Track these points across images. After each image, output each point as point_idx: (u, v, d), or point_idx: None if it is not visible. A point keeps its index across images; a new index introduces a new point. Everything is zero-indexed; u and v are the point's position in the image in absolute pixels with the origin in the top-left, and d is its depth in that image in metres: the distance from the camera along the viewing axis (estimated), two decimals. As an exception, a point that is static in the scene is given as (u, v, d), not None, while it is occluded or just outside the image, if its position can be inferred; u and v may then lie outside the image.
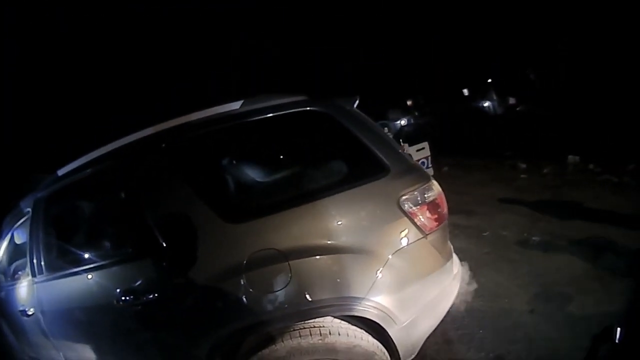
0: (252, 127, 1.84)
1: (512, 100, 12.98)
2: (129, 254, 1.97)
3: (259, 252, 1.64)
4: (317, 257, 1.66)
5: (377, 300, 1.72)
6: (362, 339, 1.78)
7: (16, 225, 2.61)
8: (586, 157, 6.84)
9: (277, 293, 1.63)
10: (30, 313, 2.36)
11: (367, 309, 1.72)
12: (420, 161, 3.54)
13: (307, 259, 1.65)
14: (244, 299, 1.64)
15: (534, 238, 3.99)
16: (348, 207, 1.73)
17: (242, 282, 1.63)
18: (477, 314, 2.82)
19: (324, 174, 1.83)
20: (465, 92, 14.92)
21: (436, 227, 1.86)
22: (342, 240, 1.69)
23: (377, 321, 1.76)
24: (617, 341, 0.82)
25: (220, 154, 1.95)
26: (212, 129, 1.83)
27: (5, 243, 2.73)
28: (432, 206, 1.85)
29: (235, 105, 1.86)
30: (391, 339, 1.81)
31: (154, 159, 1.86)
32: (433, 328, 2.01)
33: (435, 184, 1.92)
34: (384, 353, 1.84)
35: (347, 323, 1.80)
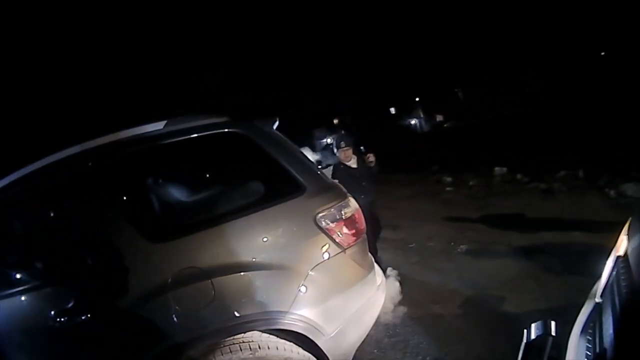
0: (174, 147, 1.87)
1: (439, 117, 13.92)
2: (60, 274, 1.89)
3: (182, 270, 1.66)
4: (239, 273, 1.71)
5: (301, 313, 1.79)
6: (292, 351, 1.83)
7: None
8: (513, 168, 7.25)
9: (203, 310, 1.65)
10: None
11: (292, 322, 1.77)
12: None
13: (229, 276, 1.69)
14: (172, 317, 1.64)
15: (461, 246, 4.20)
16: (266, 225, 1.80)
17: (169, 301, 1.64)
18: (410, 321, 2.95)
19: (244, 193, 1.90)
20: (393, 110, 15.79)
21: (354, 241, 1.97)
22: (263, 257, 1.76)
23: (304, 333, 1.82)
24: (553, 334, 0.84)
25: (143, 174, 1.95)
26: (136, 148, 1.85)
27: None
28: (350, 222, 1.96)
29: (159, 125, 1.89)
30: (321, 350, 1.87)
31: (80, 178, 1.84)
32: (362, 338, 2.09)
33: (352, 201, 2.04)
34: None
35: (276, 337, 1.84)
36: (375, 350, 2.68)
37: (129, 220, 1.74)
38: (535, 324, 0.88)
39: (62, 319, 1.75)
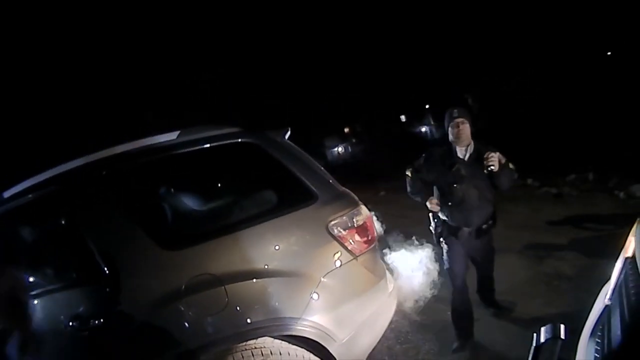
0: (188, 157, 1.93)
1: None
2: (73, 279, 1.96)
3: (196, 277, 1.70)
4: (252, 280, 1.74)
5: (313, 319, 1.81)
6: (303, 357, 1.85)
7: None
8: (524, 173, 7.25)
9: (216, 316, 1.69)
10: None
11: (304, 328, 1.80)
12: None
13: (242, 282, 1.73)
14: (185, 323, 1.68)
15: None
16: (279, 233, 1.84)
17: (182, 307, 1.68)
18: (421, 328, 2.95)
19: (257, 202, 1.95)
20: (403, 118, 15.55)
21: (366, 248, 2.00)
22: (275, 264, 1.79)
23: (316, 339, 1.84)
24: (563, 337, 0.83)
25: (157, 183, 2.01)
26: (150, 158, 1.91)
27: None
28: (361, 230, 1.99)
29: (172, 136, 1.95)
30: (332, 356, 1.89)
31: (94, 186, 1.89)
32: (374, 344, 2.11)
33: (363, 209, 2.07)
34: None
35: (287, 343, 1.86)
36: (386, 358, 2.69)
37: (143, 228, 1.79)
38: (545, 327, 0.88)
39: (75, 324, 1.80)
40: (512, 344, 2.47)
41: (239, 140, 1.97)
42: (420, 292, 3.33)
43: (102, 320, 1.77)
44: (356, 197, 2.10)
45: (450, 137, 2.55)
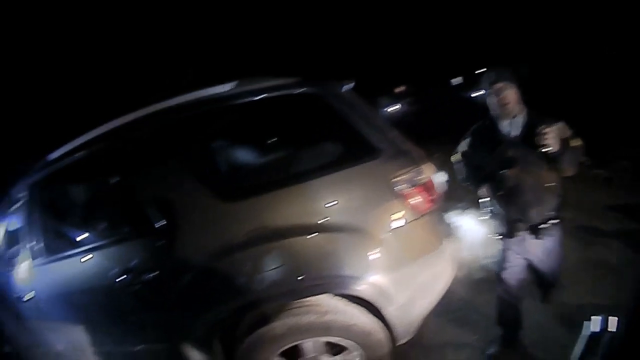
0: (245, 108, 1.85)
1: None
2: (125, 233, 1.98)
3: (255, 230, 1.66)
4: (312, 235, 1.69)
5: (372, 279, 1.75)
6: (359, 317, 1.81)
7: (9, 212, 2.60)
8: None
9: (273, 271, 1.65)
10: (27, 298, 2.36)
11: (362, 287, 1.74)
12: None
13: (302, 237, 1.68)
14: (241, 277, 1.66)
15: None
16: (340, 187, 1.75)
17: (239, 261, 1.66)
18: (473, 299, 2.85)
19: (318, 155, 1.85)
20: (456, 81, 14.49)
21: (428, 209, 1.88)
22: (336, 220, 1.72)
23: (373, 300, 1.78)
24: (614, 330, 0.81)
25: (214, 135, 1.96)
26: (206, 109, 1.85)
27: (2, 230, 2.72)
28: (425, 189, 1.87)
29: (229, 87, 1.88)
30: (388, 318, 1.84)
31: (147, 140, 1.87)
32: (429, 309, 2.03)
33: (429, 167, 1.93)
34: (381, 332, 1.87)
35: (344, 302, 1.83)
36: (435, 323, 2.62)
37: (200, 180, 1.76)
38: (596, 317, 0.87)
39: (125, 279, 1.84)
40: (554, 328, 2.40)
41: (300, 91, 1.86)
42: (478, 262, 3.22)
43: (155, 274, 1.79)
44: (422, 154, 1.96)
45: (492, 109, 2.01)
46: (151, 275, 1.78)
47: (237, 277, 1.67)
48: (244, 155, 1.94)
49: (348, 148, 1.83)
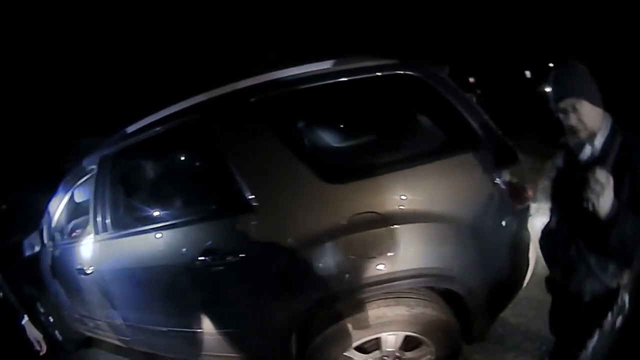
0: (346, 87, 1.76)
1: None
2: (211, 211, 1.92)
3: (360, 215, 1.57)
4: (416, 224, 1.59)
5: (466, 275, 1.67)
6: (444, 313, 1.74)
7: (78, 184, 2.57)
8: None
9: (374, 259, 1.57)
10: (89, 272, 2.32)
11: (456, 282, 1.67)
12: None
13: (406, 225, 1.58)
14: (339, 263, 1.58)
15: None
16: (444, 176, 1.66)
17: (339, 246, 1.57)
18: (538, 304, 2.74)
19: (421, 140, 1.77)
20: (528, 74, 13.48)
21: (523, 205, 1.80)
22: (438, 209, 1.63)
23: (463, 296, 1.71)
24: None
25: (313, 112, 1.89)
26: (304, 86, 1.76)
27: (64, 201, 2.70)
28: (521, 187, 1.78)
29: (327, 64, 1.79)
30: (471, 315, 1.76)
31: (241, 113, 1.79)
32: (503, 310, 1.96)
33: (524, 165, 1.85)
34: (459, 330, 1.80)
35: (433, 295, 1.75)
36: (499, 328, 2.53)
37: (300, 158, 1.67)
38: None
39: (207, 258, 1.76)
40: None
41: (400, 72, 1.76)
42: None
43: (241, 255, 1.71)
44: (515, 148, 1.88)
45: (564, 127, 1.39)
46: (238, 256, 1.71)
47: (334, 263, 1.58)
48: (346, 136, 1.87)
49: (452, 135, 1.74)
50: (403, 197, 1.60)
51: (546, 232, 1.58)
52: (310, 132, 1.84)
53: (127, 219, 2.23)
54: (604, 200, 1.21)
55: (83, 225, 2.56)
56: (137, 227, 2.15)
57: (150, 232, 2.05)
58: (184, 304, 2.01)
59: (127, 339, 2.46)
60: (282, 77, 1.80)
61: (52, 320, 3.05)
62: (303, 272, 1.63)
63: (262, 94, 1.78)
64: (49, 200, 2.75)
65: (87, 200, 2.45)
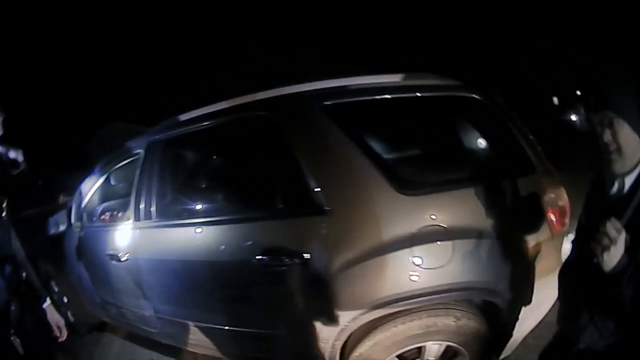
0: (414, 102, 1.83)
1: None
2: (276, 210, 1.89)
3: (428, 227, 1.62)
4: (475, 240, 1.66)
5: (510, 292, 1.75)
6: (484, 327, 1.80)
7: (118, 166, 2.52)
8: None
9: (435, 270, 1.62)
10: (123, 259, 2.27)
11: (501, 298, 1.74)
12: None
13: (467, 240, 1.65)
14: (401, 271, 1.62)
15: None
16: (501, 197, 1.73)
17: (406, 256, 1.61)
18: (553, 325, 2.83)
19: (481, 161, 1.85)
20: (555, 100, 13.16)
21: (560, 231, 1.89)
22: (492, 227, 1.70)
23: (504, 313, 1.78)
24: None
25: (385, 123, 1.92)
26: (376, 96, 1.80)
27: (99, 183, 2.64)
28: (562, 211, 1.89)
29: (396, 77, 1.85)
30: (504, 329, 1.85)
31: (316, 115, 1.81)
32: (532, 328, 2.03)
33: (564, 191, 1.96)
34: (491, 344, 1.86)
35: (474, 308, 1.81)
36: (520, 347, 2.61)
37: (377, 167, 1.69)
38: None
39: (266, 257, 1.75)
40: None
41: (466, 94, 1.85)
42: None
43: (305, 257, 1.70)
44: (559, 175, 1.98)
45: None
46: (302, 259, 1.70)
47: (400, 271, 1.62)
48: (414, 149, 1.91)
49: (510, 158, 1.83)
50: (464, 214, 1.67)
51: (563, 266, 1.53)
52: (382, 142, 1.86)
53: (176, 209, 2.20)
54: (609, 257, 1.06)
55: (115, 209, 2.52)
56: (186, 218, 2.12)
57: (200, 225, 2.02)
58: (230, 301, 1.99)
59: (154, 330, 2.41)
60: (352, 84, 1.84)
61: (66, 300, 2.98)
62: (365, 278, 1.66)
63: (336, 98, 1.81)
64: (82, 180, 2.69)
65: (125, 184, 2.41)
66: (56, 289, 3.02)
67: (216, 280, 1.98)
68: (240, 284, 1.91)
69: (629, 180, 1.12)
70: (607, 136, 1.10)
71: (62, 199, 3.67)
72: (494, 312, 1.80)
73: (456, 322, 1.73)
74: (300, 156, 1.78)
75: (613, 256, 1.05)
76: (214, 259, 1.94)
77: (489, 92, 1.92)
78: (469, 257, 1.65)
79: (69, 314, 2.99)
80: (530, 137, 1.94)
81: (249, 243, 1.83)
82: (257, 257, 1.77)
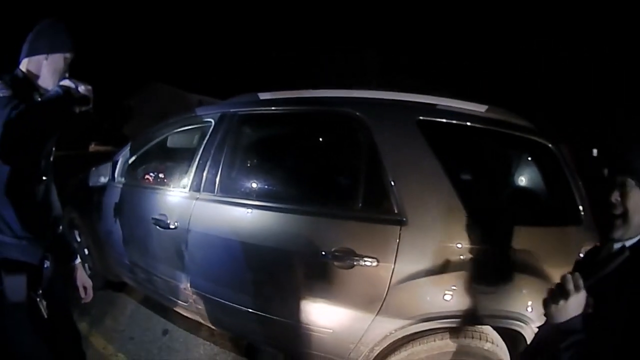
0: (492, 135, 1.93)
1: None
2: (354, 212, 1.89)
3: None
4: (523, 274, 1.79)
5: (534, 323, 1.85)
6: (506, 354, 1.91)
7: (179, 129, 2.46)
8: None
9: (487, 295, 1.74)
10: (172, 226, 2.21)
11: (530, 329, 1.84)
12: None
13: (517, 273, 1.78)
14: (460, 291, 1.73)
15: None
16: (549, 240, 1.87)
17: (461, 275, 1.72)
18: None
19: (538, 204, 1.96)
20: (595, 152, 12.72)
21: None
22: (538, 264, 1.82)
23: (527, 340, 1.87)
24: None
25: (463, 147, 2.00)
26: (463, 123, 1.89)
27: (154, 142, 2.57)
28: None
29: (480, 108, 1.94)
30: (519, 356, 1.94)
31: (408, 125, 1.86)
32: None
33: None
34: None
35: (499, 335, 1.92)
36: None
37: (455, 187, 1.77)
38: None
39: (331, 255, 1.77)
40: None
41: (539, 139, 1.97)
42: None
43: (374, 262, 1.73)
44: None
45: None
46: (371, 262, 1.75)
47: (453, 288, 1.72)
48: (481, 176, 2.02)
49: (564, 206, 1.95)
50: (521, 248, 1.79)
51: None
52: (457, 164, 1.95)
53: (243, 188, 2.16)
54: (556, 310, 1.00)
55: (161, 172, 2.47)
56: (253, 200, 2.09)
57: (268, 209, 2.01)
58: (280, 289, 2.00)
59: (184, 304, 2.36)
60: (444, 106, 1.93)
61: (87, 252, 2.91)
62: (424, 292, 1.73)
63: (428, 115, 1.88)
64: (136, 137, 2.62)
65: (183, 150, 2.36)
66: (78, 239, 2.94)
67: (272, 267, 1.99)
68: (297, 276, 1.93)
69: (628, 243, 1.07)
70: (615, 196, 1.05)
71: (92, 147, 3.54)
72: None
73: (483, 346, 1.83)
74: (386, 162, 1.81)
75: (561, 310, 0.99)
76: (275, 246, 1.94)
77: (558, 141, 2.05)
78: (516, 289, 1.77)
79: (87, 266, 2.92)
80: (583, 191, 2.10)
81: (319, 238, 1.85)
82: (323, 253, 1.80)
